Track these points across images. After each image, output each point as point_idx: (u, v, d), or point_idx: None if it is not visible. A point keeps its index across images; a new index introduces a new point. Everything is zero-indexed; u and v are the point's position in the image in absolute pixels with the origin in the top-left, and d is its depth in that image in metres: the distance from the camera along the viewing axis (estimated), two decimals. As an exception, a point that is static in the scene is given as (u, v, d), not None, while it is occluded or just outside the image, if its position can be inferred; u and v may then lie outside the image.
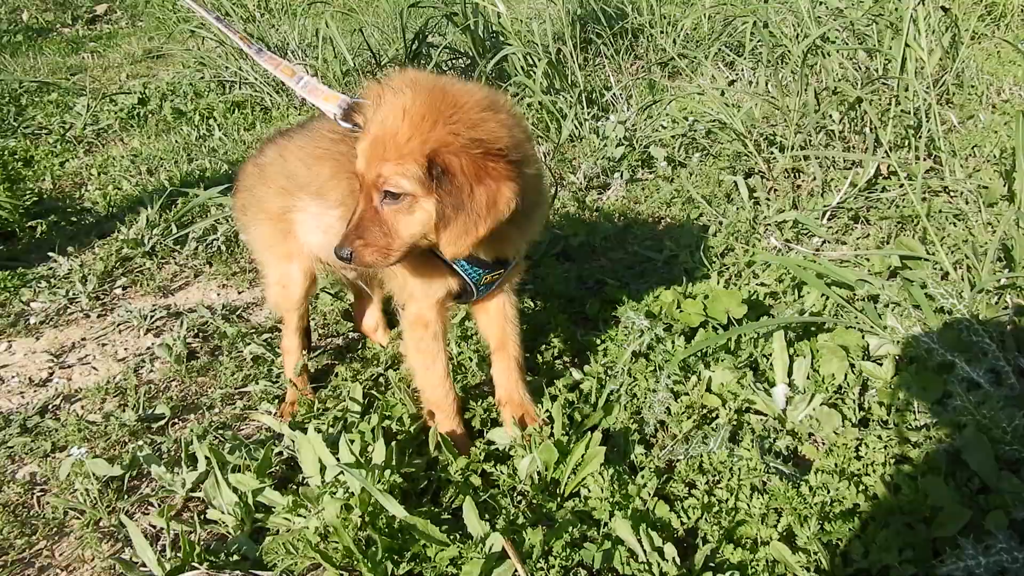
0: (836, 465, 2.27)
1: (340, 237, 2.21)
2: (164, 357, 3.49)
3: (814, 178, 4.77)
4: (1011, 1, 7.98)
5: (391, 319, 3.51)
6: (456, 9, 7.18)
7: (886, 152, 4.53)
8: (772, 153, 5.00)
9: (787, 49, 6.44)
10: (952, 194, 4.43)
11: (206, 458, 2.61)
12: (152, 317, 3.88)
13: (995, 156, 4.77)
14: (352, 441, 2.48)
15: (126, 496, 2.66)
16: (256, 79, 7.83)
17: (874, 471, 2.23)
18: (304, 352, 3.16)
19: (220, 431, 2.96)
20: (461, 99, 2.12)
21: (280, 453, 2.72)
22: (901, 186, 4.56)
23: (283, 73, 2.88)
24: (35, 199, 5.21)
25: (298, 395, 3.05)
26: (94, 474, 2.62)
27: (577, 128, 5.98)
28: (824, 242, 4.12)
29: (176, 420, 3.12)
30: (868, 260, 3.63)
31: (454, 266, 2.43)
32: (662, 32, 8.40)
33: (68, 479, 2.68)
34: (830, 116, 4.91)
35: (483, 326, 2.82)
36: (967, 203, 4.12)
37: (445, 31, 8.23)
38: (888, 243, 3.91)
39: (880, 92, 5.04)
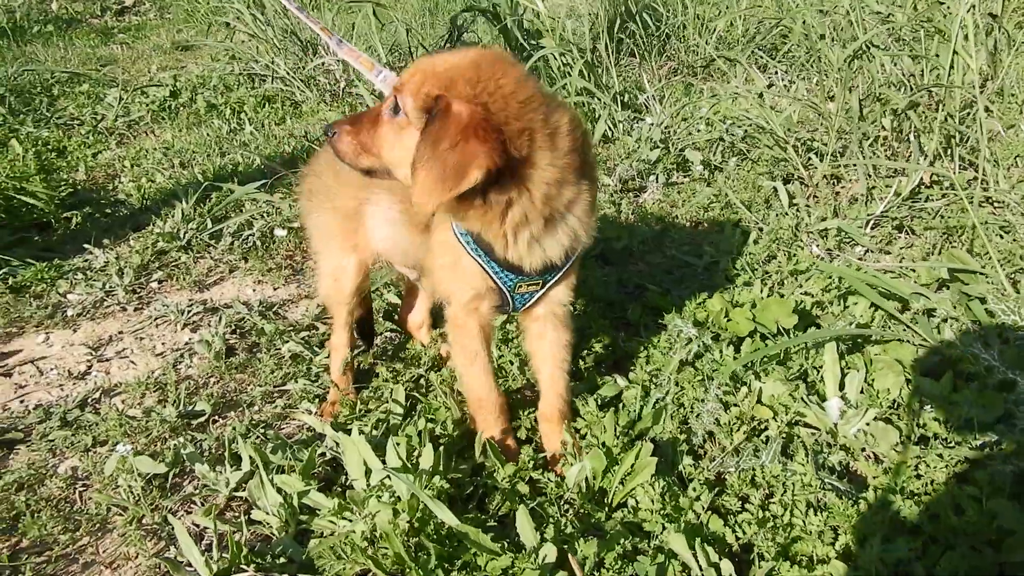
0: (895, 483, 2.22)
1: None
2: (202, 353, 3.48)
3: (856, 183, 4.71)
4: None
5: (437, 319, 3.48)
6: (490, 5, 7.16)
7: (931, 162, 4.45)
8: (810, 159, 4.94)
9: (825, 54, 6.38)
10: (996, 205, 4.36)
11: (250, 458, 2.59)
12: (189, 312, 3.87)
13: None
14: (398, 444, 2.45)
15: (170, 494, 2.65)
16: (287, 73, 7.82)
17: (935, 490, 2.18)
18: (350, 351, 3.13)
19: (262, 430, 2.94)
20: (509, 71, 2.08)
21: (323, 454, 2.69)
22: (944, 196, 4.49)
23: (363, 66, 2.85)
24: (70, 190, 5.23)
25: (340, 395, 3.02)
26: (138, 471, 2.60)
27: (611, 130, 5.94)
28: (867, 251, 4.05)
29: (216, 417, 3.10)
30: (915, 271, 3.57)
31: (484, 267, 2.38)
32: (695, 33, 8.34)
33: (112, 475, 2.66)
34: (877, 123, 4.83)
35: (530, 353, 2.74)
36: (1013, 215, 4.05)
37: (475, 28, 8.21)
38: (933, 255, 3.84)
39: (925, 99, 4.95)
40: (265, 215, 4.71)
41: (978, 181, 4.48)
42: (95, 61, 10.05)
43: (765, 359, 2.87)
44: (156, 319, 3.87)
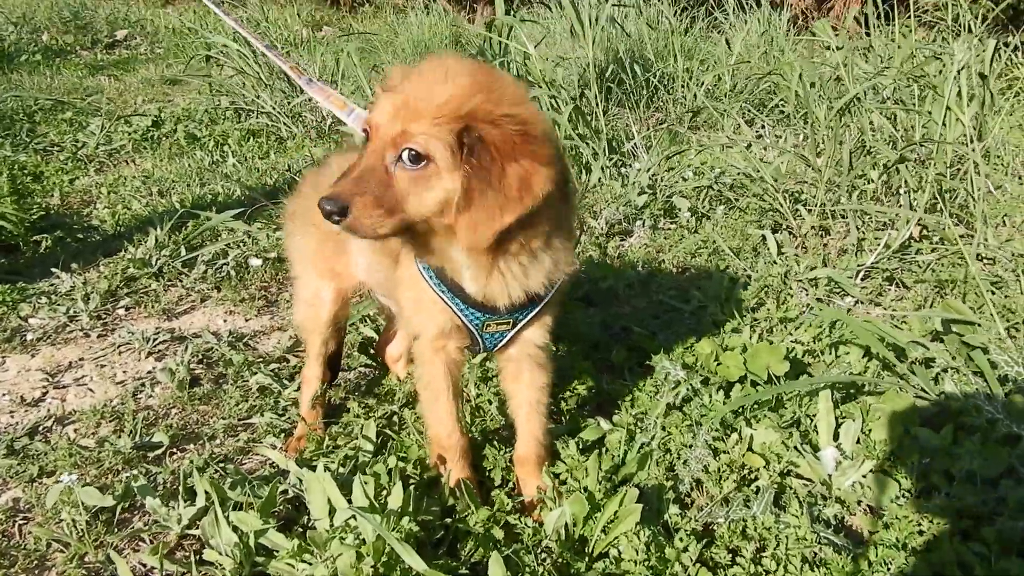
0: (897, 538, 2.07)
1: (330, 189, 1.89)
2: (165, 382, 3.31)
3: (845, 235, 4.65)
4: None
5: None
6: (477, 49, 7.15)
7: (925, 211, 4.40)
8: (797, 209, 4.87)
9: (812, 109, 6.38)
10: (985, 261, 4.29)
11: (205, 493, 2.41)
12: (155, 340, 3.70)
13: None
14: (365, 483, 2.28)
15: (116, 529, 2.45)
16: (273, 108, 7.76)
17: (939, 547, 2.04)
18: (321, 384, 2.97)
19: (221, 464, 2.76)
20: (503, 77, 1.97)
21: (285, 492, 2.51)
22: (934, 250, 4.43)
23: (334, 105, 2.74)
24: (41, 213, 5.07)
25: (308, 430, 2.85)
26: (83, 504, 2.41)
27: (601, 174, 5.88)
28: (857, 302, 3.96)
29: (174, 449, 2.92)
30: (906, 323, 3.47)
31: (448, 303, 2.23)
32: (683, 86, 8.38)
33: (55, 508, 2.47)
34: (865, 176, 4.79)
35: (507, 394, 2.60)
36: (1004, 271, 3.99)
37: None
38: (925, 307, 3.75)
39: (913, 156, 4.92)
40: (241, 244, 4.57)
41: (973, 237, 4.44)
42: (81, 91, 9.94)
43: (756, 405, 2.74)
44: (120, 346, 3.70)
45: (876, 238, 4.50)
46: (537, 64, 6.43)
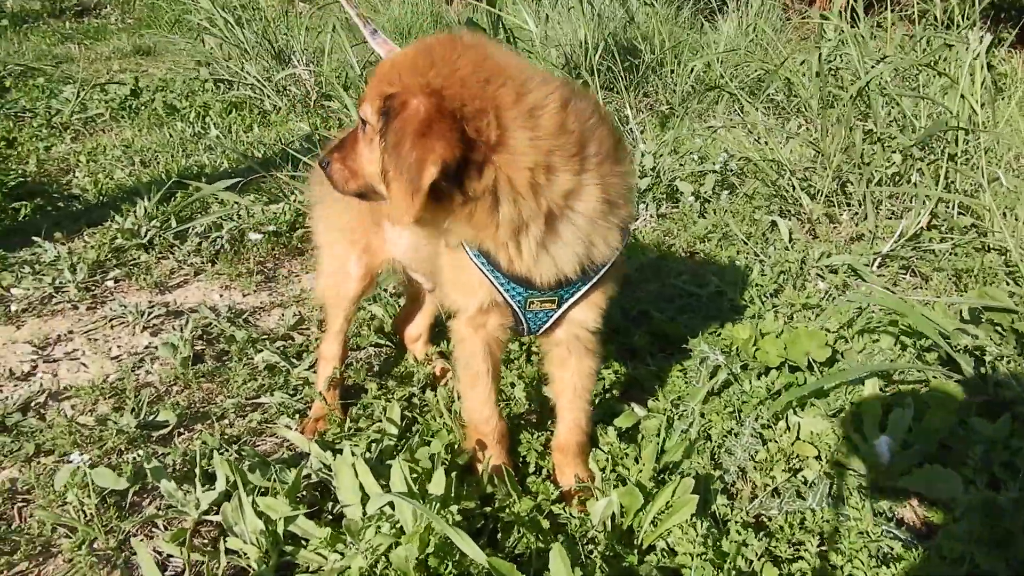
0: (970, 532, 1.97)
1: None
2: (166, 358, 3.12)
3: (855, 222, 4.59)
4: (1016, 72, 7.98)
5: (435, 334, 3.20)
6: (477, 20, 6.94)
7: (939, 200, 4.34)
8: (799, 197, 4.78)
9: (813, 98, 6.31)
10: (996, 252, 4.24)
11: (227, 477, 2.24)
12: (149, 314, 3.50)
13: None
14: (405, 468, 2.13)
15: (127, 515, 2.28)
16: (256, 79, 7.49)
17: (1016, 542, 1.95)
18: (340, 364, 2.80)
19: (235, 445, 2.59)
20: (468, 55, 1.77)
21: (308, 476, 2.35)
22: (943, 240, 4.37)
23: None
24: (20, 180, 4.81)
25: (326, 411, 2.69)
26: (93, 486, 2.23)
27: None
28: (874, 290, 3.88)
29: (182, 429, 2.74)
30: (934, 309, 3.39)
31: (489, 276, 2.06)
32: (670, 71, 8.29)
33: (60, 490, 2.28)
34: (879, 164, 4.71)
35: (550, 377, 2.44)
36: (1011, 261, 3.95)
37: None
38: (944, 295, 3.69)
39: (926, 143, 4.85)
40: (236, 217, 4.36)
41: (980, 228, 4.39)
42: (51, 58, 9.57)
43: (791, 389, 2.63)
44: (111, 320, 3.49)
45: (887, 226, 4.43)
46: (538, 41, 6.25)
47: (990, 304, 3.02)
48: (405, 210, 1.67)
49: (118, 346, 3.30)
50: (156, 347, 3.25)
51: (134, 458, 2.48)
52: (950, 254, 4.15)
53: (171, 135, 6.32)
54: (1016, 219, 4.39)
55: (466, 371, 2.31)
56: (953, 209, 4.56)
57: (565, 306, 2.15)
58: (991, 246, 4.23)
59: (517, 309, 2.13)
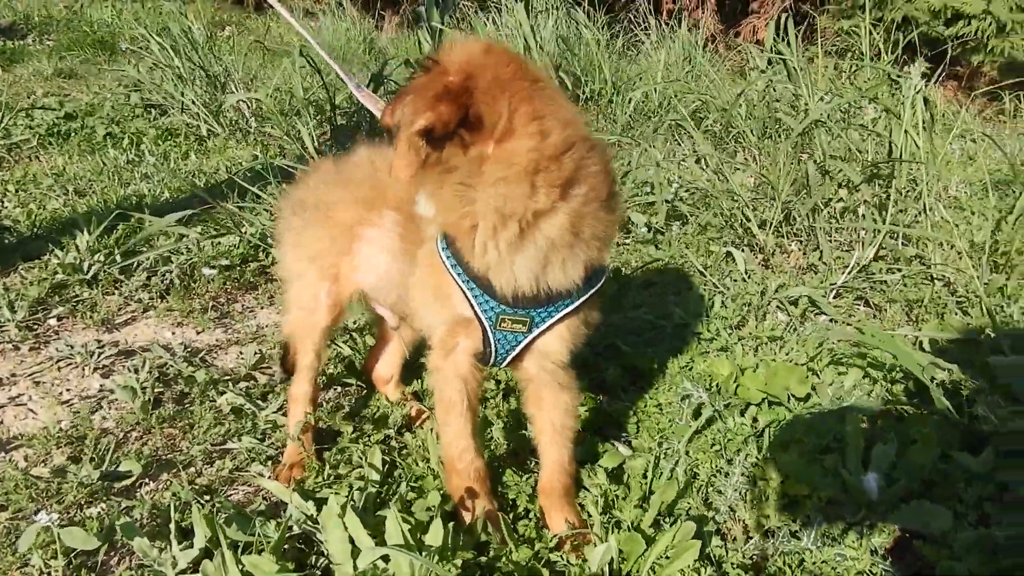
0: (970, 571, 2.00)
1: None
2: (123, 401, 2.95)
3: (804, 254, 4.69)
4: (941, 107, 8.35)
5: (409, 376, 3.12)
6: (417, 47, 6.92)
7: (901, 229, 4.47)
8: (750, 227, 4.87)
9: (743, 130, 6.47)
10: (936, 282, 4.39)
11: (204, 533, 2.12)
12: (99, 354, 3.32)
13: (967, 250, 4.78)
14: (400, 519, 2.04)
15: (97, 576, 2.13)
16: (194, 105, 7.29)
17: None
18: (313, 406, 2.69)
19: (206, 496, 2.46)
20: (519, 67, 1.86)
21: (290, 528, 2.24)
22: (890, 271, 4.50)
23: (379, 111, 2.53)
24: (-58, 211, 4.54)
25: (301, 456, 2.58)
26: (60, 546, 2.08)
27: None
28: (832, 321, 3.96)
29: (147, 480, 2.59)
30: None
31: (460, 284, 2.05)
32: (609, 102, 8.42)
33: (23, 552, 2.12)
34: (826, 195, 4.83)
35: (530, 419, 2.41)
36: (954, 292, 4.10)
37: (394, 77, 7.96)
38: (899, 327, 3.79)
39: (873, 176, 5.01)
40: (185, 250, 4.19)
41: (923, 259, 4.54)
42: (-37, 81, 9.13)
43: (780, 427, 2.64)
44: (58, 361, 3.30)
45: (838, 258, 4.54)
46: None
47: (952, 336, 3.10)
48: (402, 163, 1.80)
49: (68, 389, 3.12)
50: (110, 390, 3.08)
51: (98, 513, 2.33)
52: (901, 285, 4.27)
53: (104, 163, 6.08)
54: (952, 249, 4.57)
55: (440, 402, 2.26)
56: (898, 240, 4.70)
57: (536, 332, 2.13)
58: (934, 276, 4.37)
59: (487, 327, 2.10)
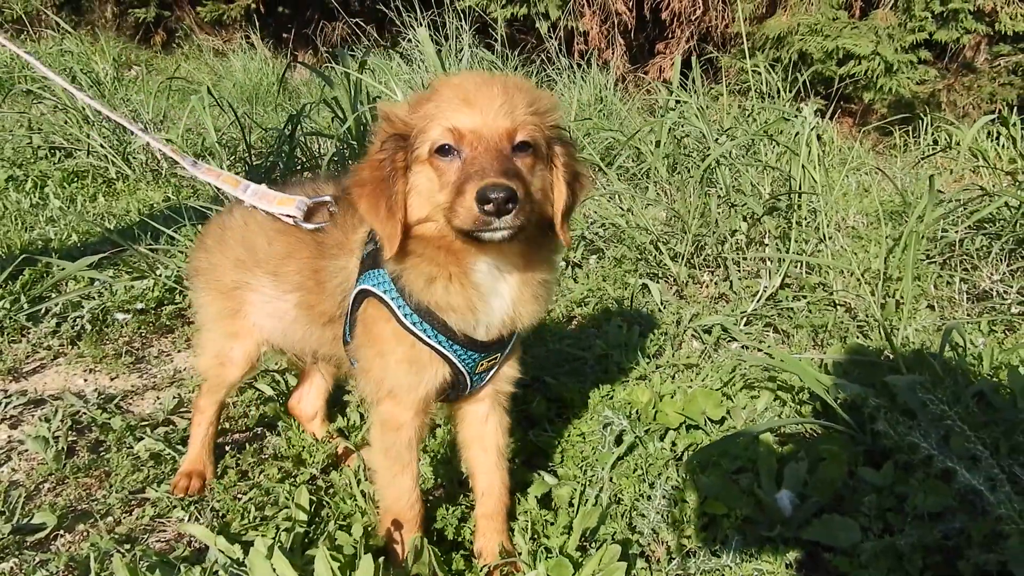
0: (879, 578, 2.11)
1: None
2: (35, 452, 2.85)
3: (714, 284, 4.87)
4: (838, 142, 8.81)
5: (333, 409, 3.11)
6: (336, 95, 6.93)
7: (795, 260, 4.68)
8: (663, 260, 5.04)
9: (654, 165, 6.69)
10: (838, 308, 4.62)
11: (128, 581, 2.06)
12: (6, 404, 3.20)
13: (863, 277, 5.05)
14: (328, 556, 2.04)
15: (13, 634, 2.05)
16: (101, 147, 7.11)
17: (920, 582, 2.09)
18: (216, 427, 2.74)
19: (127, 546, 2.39)
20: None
21: (215, 573, 2.20)
22: (796, 298, 4.71)
23: (226, 183, 2.57)
24: None
25: (199, 465, 2.63)
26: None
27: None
28: (744, 347, 4.12)
29: (62, 531, 2.50)
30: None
31: (443, 350, 2.09)
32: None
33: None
34: (732, 227, 5.04)
35: (466, 442, 2.43)
36: (855, 316, 4.33)
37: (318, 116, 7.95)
38: (807, 352, 3.97)
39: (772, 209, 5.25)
40: (97, 295, 4.09)
41: (826, 286, 4.77)
42: None
43: (704, 451, 2.74)
44: (-38, 413, 3.17)
45: (747, 287, 4.73)
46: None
47: (854, 358, 3.27)
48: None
49: (-27, 442, 2.99)
50: (19, 440, 2.97)
51: (11, 568, 2.24)
52: (806, 312, 4.47)
53: (7, 207, 5.87)
54: (852, 276, 4.82)
55: (395, 461, 2.25)
56: (802, 269, 4.93)
57: (499, 364, 2.27)
58: (836, 302, 4.61)
59: (467, 374, 2.17)
